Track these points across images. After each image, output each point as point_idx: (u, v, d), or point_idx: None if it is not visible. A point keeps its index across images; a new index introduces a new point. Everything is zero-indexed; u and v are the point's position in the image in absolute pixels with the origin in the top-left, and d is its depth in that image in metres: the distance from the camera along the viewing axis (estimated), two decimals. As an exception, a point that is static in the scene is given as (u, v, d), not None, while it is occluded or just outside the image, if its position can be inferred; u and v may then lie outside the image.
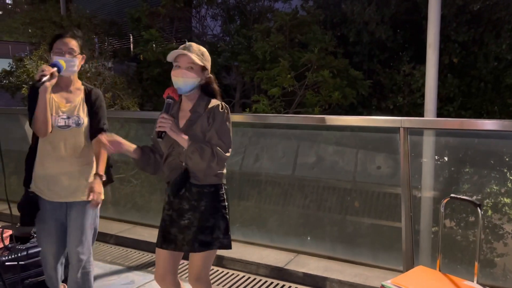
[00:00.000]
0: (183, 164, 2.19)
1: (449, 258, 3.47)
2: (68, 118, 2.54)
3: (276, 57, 7.97)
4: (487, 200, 3.54)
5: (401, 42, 11.91)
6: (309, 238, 3.95)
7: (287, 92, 7.97)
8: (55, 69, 2.36)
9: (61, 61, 2.42)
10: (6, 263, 3.05)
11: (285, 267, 3.53)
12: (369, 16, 11.48)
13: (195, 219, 2.19)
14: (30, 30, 10.88)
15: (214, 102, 2.24)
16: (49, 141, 2.51)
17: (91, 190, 2.48)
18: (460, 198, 2.18)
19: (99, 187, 2.52)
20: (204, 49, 2.24)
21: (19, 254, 3.12)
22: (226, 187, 2.29)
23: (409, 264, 3.11)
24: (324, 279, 3.37)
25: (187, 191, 2.20)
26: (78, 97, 2.60)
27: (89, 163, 2.63)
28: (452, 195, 2.21)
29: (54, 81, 2.36)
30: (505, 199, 3.56)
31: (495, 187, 3.61)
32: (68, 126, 2.53)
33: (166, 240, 2.24)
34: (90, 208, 2.54)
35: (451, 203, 3.44)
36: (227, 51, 8.84)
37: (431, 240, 3.57)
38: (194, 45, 2.20)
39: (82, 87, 2.63)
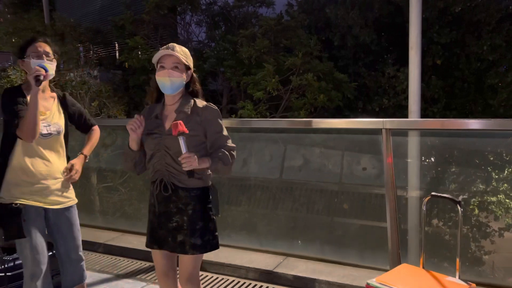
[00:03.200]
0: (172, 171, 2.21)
1: (437, 256, 3.53)
2: (49, 125, 2.51)
3: (261, 62, 8.03)
4: (474, 199, 3.61)
5: (385, 45, 12.07)
6: (297, 241, 3.98)
7: (273, 96, 8.03)
8: (43, 70, 2.31)
9: (46, 64, 2.36)
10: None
11: (274, 270, 3.55)
12: (352, 20, 11.62)
13: (184, 222, 2.21)
14: (13, 40, 10.79)
15: (200, 102, 2.27)
16: (32, 149, 2.45)
17: (71, 167, 2.56)
18: (440, 196, 2.23)
19: (79, 166, 2.62)
20: (185, 49, 2.28)
21: (5, 265, 3.09)
22: (212, 187, 2.32)
23: (396, 263, 3.15)
24: (313, 280, 3.39)
25: (174, 195, 2.22)
26: (53, 104, 2.57)
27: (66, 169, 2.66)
28: (432, 193, 2.27)
29: (45, 82, 2.39)
30: (491, 198, 3.62)
31: (481, 186, 3.68)
32: (50, 134, 2.50)
33: (157, 241, 2.28)
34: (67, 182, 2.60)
35: (437, 202, 3.51)
36: (213, 57, 8.88)
37: (418, 239, 3.62)
38: (177, 45, 2.24)
39: (54, 94, 2.59)
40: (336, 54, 11.99)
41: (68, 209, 2.63)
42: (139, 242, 4.20)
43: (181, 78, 2.21)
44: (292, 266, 3.61)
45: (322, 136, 4.03)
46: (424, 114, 10.10)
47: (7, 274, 3.05)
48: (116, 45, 11.17)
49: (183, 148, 2.05)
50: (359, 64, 11.87)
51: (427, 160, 3.94)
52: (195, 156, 2.06)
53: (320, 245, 3.86)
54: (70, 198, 2.65)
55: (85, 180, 4.89)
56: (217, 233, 2.30)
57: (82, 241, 4.46)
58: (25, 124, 2.32)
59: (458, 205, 2.11)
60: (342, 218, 3.96)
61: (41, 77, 2.27)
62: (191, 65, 2.28)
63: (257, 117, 7.57)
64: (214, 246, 2.29)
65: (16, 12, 17.73)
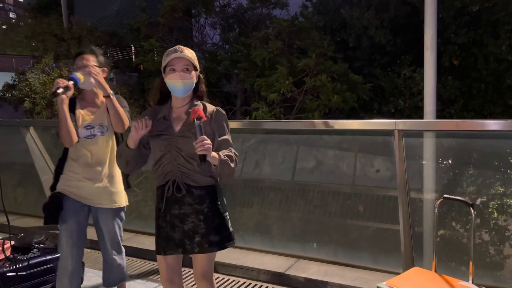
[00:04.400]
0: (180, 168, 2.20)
1: (454, 260, 3.46)
2: (92, 128, 2.65)
3: (275, 63, 8.02)
4: (493, 202, 3.53)
5: (401, 46, 11.94)
6: (310, 243, 3.94)
7: (287, 98, 8.01)
8: (71, 82, 2.49)
9: (78, 74, 2.54)
10: (7, 274, 3.08)
11: (286, 273, 3.53)
12: (368, 21, 11.54)
13: (200, 221, 2.20)
14: (34, 44, 11.02)
15: (210, 106, 2.28)
16: (77, 151, 2.65)
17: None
18: (453, 198, 2.18)
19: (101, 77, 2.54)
20: (191, 50, 2.29)
21: (20, 265, 3.14)
22: (220, 186, 2.33)
23: (409, 266, 3.09)
24: (325, 283, 3.36)
25: (187, 195, 2.21)
26: (101, 106, 2.70)
27: (115, 171, 2.73)
28: (445, 195, 2.22)
29: (70, 93, 2.50)
30: (511, 200, 3.54)
31: (500, 189, 3.60)
32: (94, 135, 2.65)
33: (170, 246, 2.25)
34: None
35: (453, 204, 3.44)
36: (227, 59, 8.90)
37: (435, 243, 3.55)
38: (184, 48, 2.24)
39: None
40: (351, 55, 11.91)
41: (108, 210, 2.72)
42: (152, 243, 4.19)
43: (192, 80, 2.22)
44: (304, 268, 3.59)
45: (335, 138, 3.99)
46: (441, 115, 9.96)
47: (20, 274, 3.09)
48: (133, 48, 11.30)
49: (199, 133, 2.04)
50: (375, 65, 11.77)
51: (444, 162, 3.87)
52: (210, 142, 2.03)
53: (333, 247, 3.83)
54: (112, 200, 2.72)
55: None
56: (231, 228, 2.30)
57: (95, 241, 4.49)
58: (60, 131, 2.56)
59: (471, 208, 2.06)
60: (355, 220, 3.92)
61: (59, 90, 2.42)
62: (198, 66, 2.29)
63: (271, 119, 7.56)
64: (231, 239, 2.28)
65: (36, 16, 18.12)
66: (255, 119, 7.64)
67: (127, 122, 2.65)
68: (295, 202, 4.16)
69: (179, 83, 2.19)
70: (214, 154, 2.08)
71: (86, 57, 2.61)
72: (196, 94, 2.31)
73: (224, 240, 2.25)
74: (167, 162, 2.23)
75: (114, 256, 2.82)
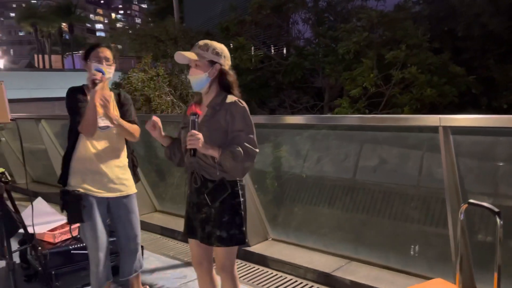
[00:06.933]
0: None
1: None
2: (104, 119, 2.73)
3: (362, 56, 7.66)
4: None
5: (525, 33, 10.55)
6: (363, 245, 3.74)
7: (375, 93, 7.61)
8: (100, 73, 2.63)
9: (103, 68, 2.68)
10: (72, 251, 3.46)
11: (333, 273, 3.41)
12: (481, 7, 10.44)
13: (211, 214, 2.27)
14: (138, 45, 12.05)
15: (230, 98, 2.26)
16: (93, 141, 2.72)
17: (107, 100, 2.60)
18: (478, 204, 1.91)
19: (112, 107, 2.66)
20: (212, 44, 2.27)
21: (83, 244, 3.50)
22: (242, 183, 2.32)
23: (464, 277, 2.79)
24: (371, 288, 3.18)
25: (203, 187, 2.28)
26: (111, 101, 2.74)
27: (125, 159, 2.88)
28: (470, 200, 1.95)
29: (102, 84, 2.61)
30: None
31: None
32: (107, 126, 2.75)
33: (190, 230, 2.38)
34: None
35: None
36: (315, 54, 8.77)
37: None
38: (201, 42, 2.28)
39: (112, 93, 2.83)
40: (460, 46, 10.89)
41: (127, 197, 2.86)
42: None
43: (201, 75, 2.24)
44: (352, 271, 3.43)
45: (397, 135, 3.73)
46: None
47: (85, 252, 3.43)
48: (231, 45, 11.73)
49: (192, 127, 2.12)
50: (488, 56, 10.60)
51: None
52: (201, 137, 2.10)
53: (386, 251, 3.59)
54: (129, 187, 2.87)
55: (175, 170, 5.23)
56: (244, 228, 2.30)
57: (164, 228, 4.80)
58: (85, 121, 2.63)
59: (497, 216, 1.79)
60: (416, 224, 3.62)
61: (97, 81, 2.59)
62: (218, 59, 2.25)
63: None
64: (240, 241, 2.30)
65: (154, 20, 19.82)
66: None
67: (136, 134, 2.78)
68: (353, 201, 3.98)
69: (191, 79, 2.27)
70: (211, 149, 2.13)
71: (103, 50, 2.72)
72: (222, 86, 2.30)
73: (232, 237, 2.26)
74: (189, 153, 2.32)
75: (137, 241, 2.92)
